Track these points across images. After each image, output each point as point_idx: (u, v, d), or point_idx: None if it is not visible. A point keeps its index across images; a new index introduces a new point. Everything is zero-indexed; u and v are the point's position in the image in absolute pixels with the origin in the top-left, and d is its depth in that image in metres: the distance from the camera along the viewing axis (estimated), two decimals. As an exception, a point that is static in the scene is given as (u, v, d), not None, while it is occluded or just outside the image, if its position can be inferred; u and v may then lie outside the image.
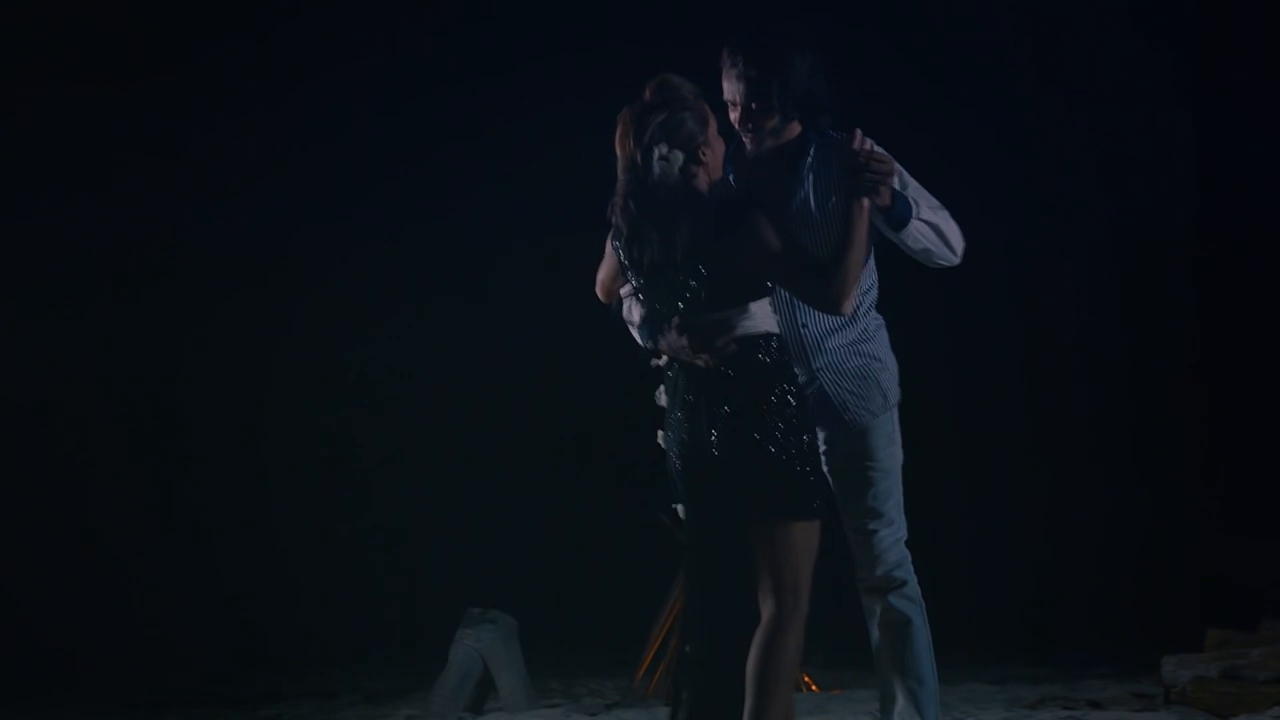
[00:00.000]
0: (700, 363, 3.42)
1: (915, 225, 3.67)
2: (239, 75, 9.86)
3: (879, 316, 3.79)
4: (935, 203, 3.83)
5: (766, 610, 3.38)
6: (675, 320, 3.46)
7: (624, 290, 3.66)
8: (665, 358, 3.55)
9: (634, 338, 3.69)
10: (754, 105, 3.64)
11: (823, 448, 3.64)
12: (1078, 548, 10.18)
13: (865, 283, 3.69)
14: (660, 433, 3.60)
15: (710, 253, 3.38)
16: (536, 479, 10.57)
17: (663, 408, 3.62)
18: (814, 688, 7.70)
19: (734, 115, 3.68)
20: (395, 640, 9.95)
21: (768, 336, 3.44)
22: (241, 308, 10.42)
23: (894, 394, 3.75)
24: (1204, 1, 9.77)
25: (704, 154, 3.43)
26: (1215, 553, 9.66)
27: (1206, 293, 10.25)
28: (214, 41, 9.80)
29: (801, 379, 3.58)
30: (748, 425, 3.38)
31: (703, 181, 3.44)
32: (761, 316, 3.45)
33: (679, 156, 3.38)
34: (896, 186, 3.65)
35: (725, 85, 3.67)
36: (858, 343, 3.70)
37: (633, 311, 3.69)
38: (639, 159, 3.40)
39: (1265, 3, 9.51)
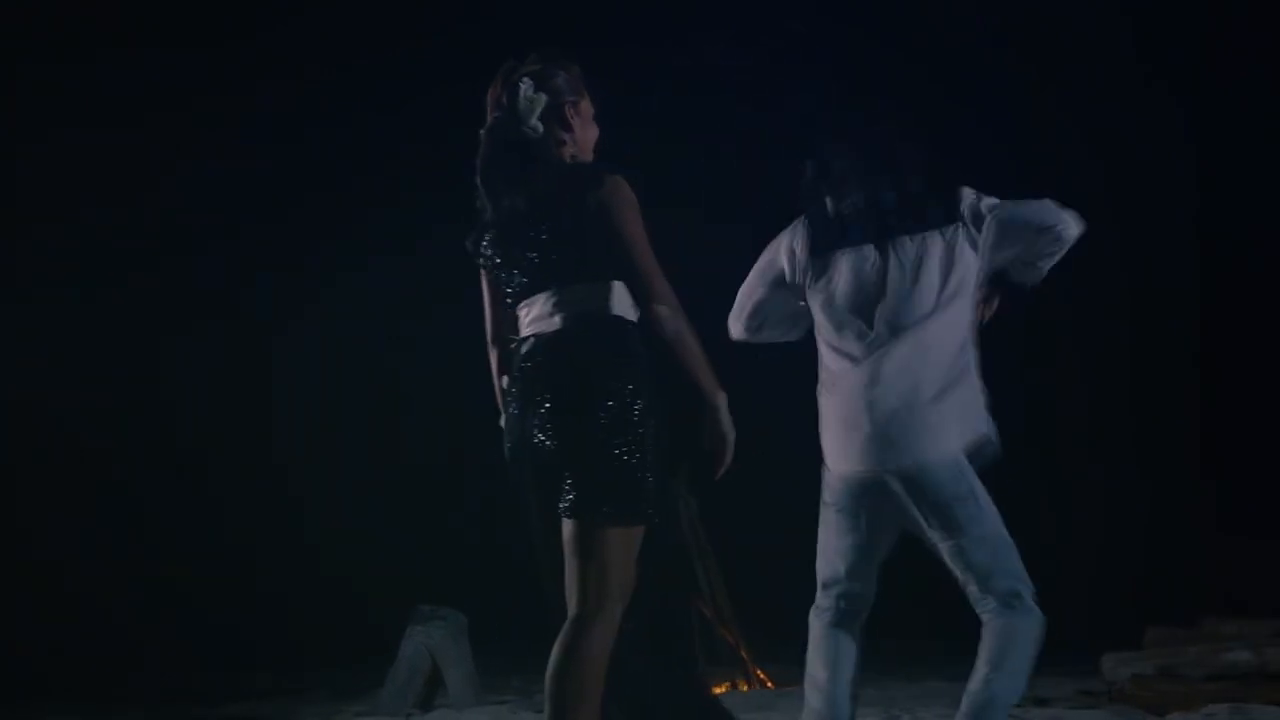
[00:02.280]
0: (542, 335, 3.28)
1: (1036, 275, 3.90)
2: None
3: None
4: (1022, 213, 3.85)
5: (571, 609, 3.19)
6: (522, 285, 3.34)
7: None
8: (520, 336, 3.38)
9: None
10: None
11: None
12: (1073, 546, 10.17)
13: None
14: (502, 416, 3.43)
15: (564, 211, 3.26)
16: (500, 478, 10.54)
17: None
18: (770, 684, 7.74)
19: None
20: (368, 639, 9.92)
21: (619, 321, 3.26)
22: (204, 314, 10.41)
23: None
24: (1204, 1, 9.77)
25: (570, 113, 3.40)
26: (1212, 552, 9.67)
27: (1207, 292, 10.27)
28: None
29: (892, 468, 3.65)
30: (571, 416, 3.18)
31: (566, 149, 3.39)
32: (617, 299, 3.27)
33: (543, 98, 3.36)
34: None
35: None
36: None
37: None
38: (505, 99, 3.39)
39: (1265, 3, 9.51)
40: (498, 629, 7.29)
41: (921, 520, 3.71)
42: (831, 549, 3.89)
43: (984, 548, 3.67)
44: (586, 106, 3.47)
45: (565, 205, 3.26)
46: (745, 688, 7.75)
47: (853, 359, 3.81)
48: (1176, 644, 5.79)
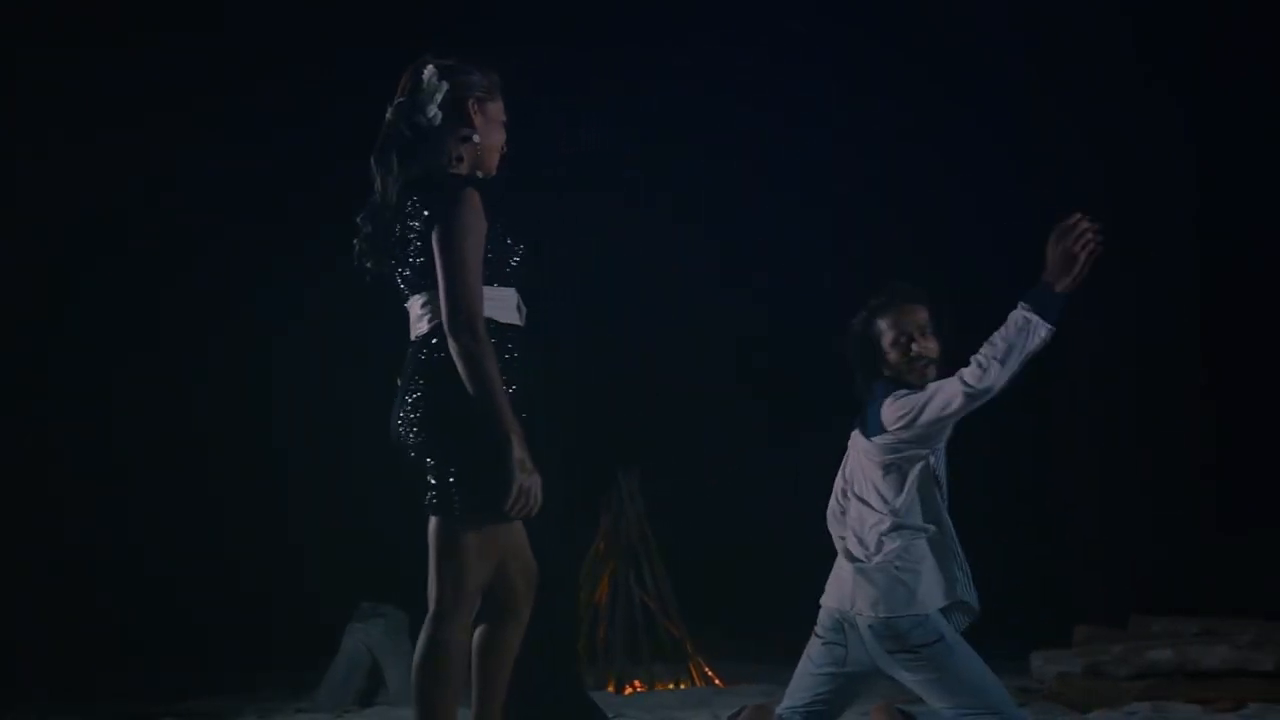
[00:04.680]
0: (415, 338, 3.33)
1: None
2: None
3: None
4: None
5: (430, 605, 3.29)
6: (402, 284, 3.37)
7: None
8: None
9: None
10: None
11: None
12: (1021, 544, 10.10)
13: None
14: None
15: (427, 216, 3.27)
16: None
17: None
18: (718, 681, 7.77)
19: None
20: (315, 635, 9.92)
21: (487, 324, 3.23)
22: (198, 314, 10.43)
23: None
24: (1204, 1, 9.76)
25: (473, 108, 3.38)
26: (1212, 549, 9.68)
27: (1208, 293, 10.26)
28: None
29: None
30: (431, 416, 3.24)
31: (466, 146, 3.37)
32: (493, 303, 3.26)
33: (444, 86, 3.34)
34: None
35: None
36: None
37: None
38: (409, 85, 3.38)
39: (1265, 2, 9.50)
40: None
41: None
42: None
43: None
44: (496, 109, 3.42)
45: (429, 210, 3.26)
46: (686, 685, 7.79)
47: None
48: (1104, 642, 5.81)
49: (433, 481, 3.24)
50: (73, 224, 10.01)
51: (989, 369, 3.74)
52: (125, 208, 10.11)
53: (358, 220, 3.42)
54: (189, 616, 9.99)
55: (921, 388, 3.94)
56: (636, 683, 7.80)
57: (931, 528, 3.90)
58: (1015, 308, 3.81)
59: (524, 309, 3.37)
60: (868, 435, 3.97)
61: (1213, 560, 9.53)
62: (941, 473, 4.00)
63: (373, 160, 3.39)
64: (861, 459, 4.00)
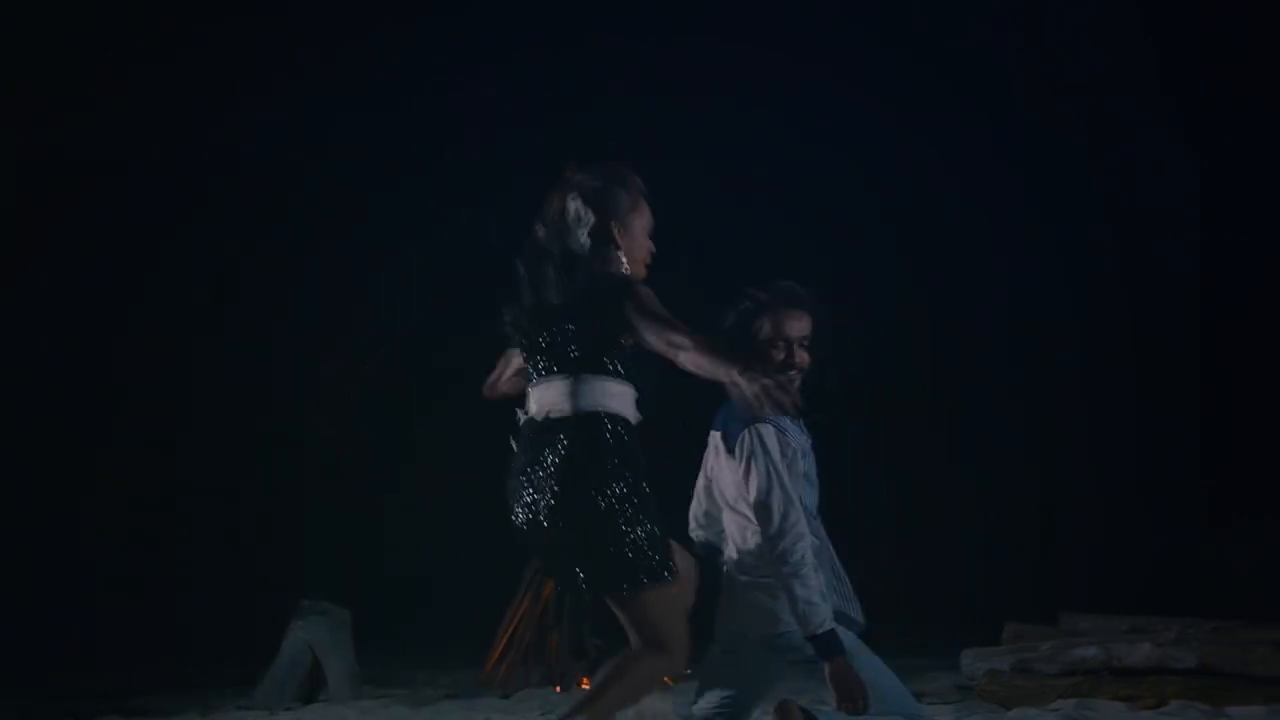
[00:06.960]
0: (541, 418, 3.48)
1: None
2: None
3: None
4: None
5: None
6: (539, 372, 3.54)
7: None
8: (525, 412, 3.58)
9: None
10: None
11: None
12: (986, 540, 10.19)
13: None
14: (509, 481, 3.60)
15: (592, 313, 3.47)
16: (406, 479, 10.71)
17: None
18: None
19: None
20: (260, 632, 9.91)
21: (616, 418, 3.46)
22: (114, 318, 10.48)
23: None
24: (1208, 10, 9.77)
25: (616, 230, 3.54)
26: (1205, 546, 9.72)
27: (1209, 298, 10.29)
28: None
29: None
30: (573, 501, 3.40)
31: (611, 263, 3.54)
32: (617, 396, 3.48)
33: (591, 218, 3.53)
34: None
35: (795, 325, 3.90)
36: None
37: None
38: (558, 208, 3.56)
39: (1266, 3, 9.52)
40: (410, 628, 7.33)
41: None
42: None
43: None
44: (642, 223, 3.61)
45: (594, 308, 3.46)
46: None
47: None
48: (1033, 640, 5.86)
49: (595, 563, 3.42)
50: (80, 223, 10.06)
51: (795, 588, 3.70)
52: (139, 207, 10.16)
53: (508, 318, 3.61)
54: (132, 613, 9.98)
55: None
56: (584, 680, 7.79)
57: (814, 539, 3.80)
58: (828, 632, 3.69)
59: (639, 414, 3.54)
60: (729, 448, 3.87)
61: (1145, 559, 9.57)
62: (813, 474, 3.90)
63: (524, 270, 3.57)
64: (725, 469, 3.90)
